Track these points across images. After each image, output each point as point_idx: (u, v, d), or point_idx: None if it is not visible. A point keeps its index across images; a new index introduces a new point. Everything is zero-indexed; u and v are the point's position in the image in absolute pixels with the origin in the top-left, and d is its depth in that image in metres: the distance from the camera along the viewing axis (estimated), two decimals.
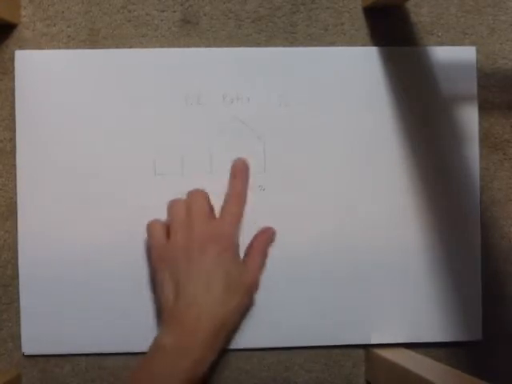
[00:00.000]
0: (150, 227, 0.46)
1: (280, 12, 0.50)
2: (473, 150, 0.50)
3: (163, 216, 0.47)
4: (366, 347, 0.50)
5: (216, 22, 0.49)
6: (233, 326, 0.44)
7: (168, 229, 0.45)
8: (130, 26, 0.49)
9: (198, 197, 0.46)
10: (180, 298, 0.42)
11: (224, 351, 0.48)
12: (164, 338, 0.41)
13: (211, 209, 0.46)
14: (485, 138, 0.51)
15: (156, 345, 0.42)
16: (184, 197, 0.46)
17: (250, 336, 0.48)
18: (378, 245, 0.49)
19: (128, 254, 0.48)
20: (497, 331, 0.50)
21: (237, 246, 0.46)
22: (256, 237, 0.48)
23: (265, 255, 0.47)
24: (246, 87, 0.49)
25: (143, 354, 0.48)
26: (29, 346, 0.48)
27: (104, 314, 0.48)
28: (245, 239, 0.48)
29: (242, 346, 0.48)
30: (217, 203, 0.48)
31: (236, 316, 0.44)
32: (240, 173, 0.48)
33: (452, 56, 0.50)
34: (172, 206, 0.46)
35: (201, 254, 0.43)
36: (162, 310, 0.44)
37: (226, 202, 0.47)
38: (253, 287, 0.46)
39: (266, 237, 0.48)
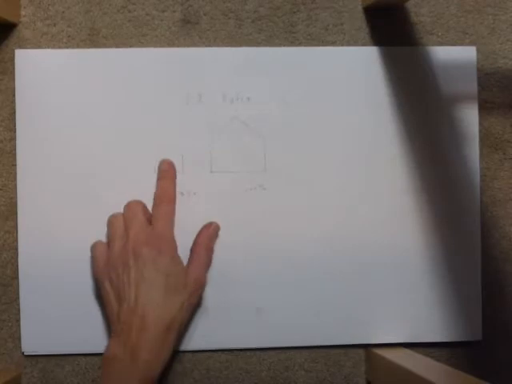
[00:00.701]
0: (93, 247, 0.46)
1: (280, 12, 0.50)
2: (473, 150, 0.50)
3: None
4: (366, 347, 0.50)
5: (216, 22, 0.49)
6: (180, 326, 0.44)
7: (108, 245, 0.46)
8: (130, 26, 0.49)
9: (133, 207, 0.46)
10: (123, 305, 0.42)
11: (223, 351, 0.48)
12: (113, 348, 0.42)
13: (148, 217, 0.46)
14: (485, 137, 0.51)
15: (107, 355, 0.42)
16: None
17: (249, 336, 0.48)
18: (377, 244, 0.49)
19: None
20: (497, 331, 0.50)
21: (174, 247, 0.45)
22: (200, 232, 0.47)
23: (210, 251, 0.47)
24: (246, 87, 0.49)
25: None
26: (29, 346, 0.48)
27: (104, 313, 0.47)
28: (246, 239, 0.48)
29: (241, 346, 0.48)
30: (217, 202, 0.48)
31: (182, 315, 0.44)
32: (166, 173, 0.47)
33: (452, 56, 0.50)
34: (109, 221, 0.46)
35: (136, 260, 0.43)
36: (109, 322, 0.45)
37: (155, 204, 0.47)
38: (197, 285, 0.45)
39: (209, 232, 0.47)
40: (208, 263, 0.47)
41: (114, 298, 0.44)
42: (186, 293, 0.44)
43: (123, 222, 0.46)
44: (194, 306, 0.46)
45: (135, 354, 0.40)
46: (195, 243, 0.47)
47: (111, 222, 0.46)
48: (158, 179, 0.48)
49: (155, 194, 0.47)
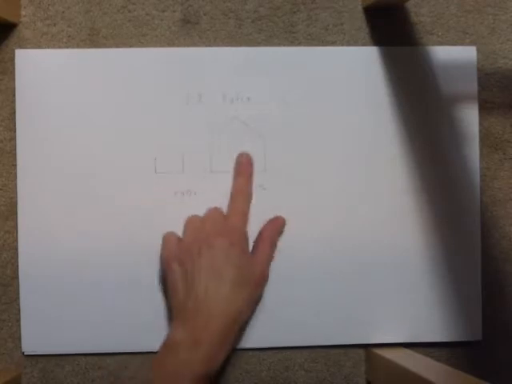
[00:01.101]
0: (165, 236, 0.47)
1: (280, 12, 0.50)
2: (473, 150, 0.50)
3: (164, 214, 0.48)
4: (366, 347, 0.50)
5: (216, 22, 0.49)
6: (244, 320, 0.44)
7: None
8: (130, 26, 0.49)
9: (213, 211, 0.47)
10: (191, 294, 0.42)
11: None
12: (177, 335, 0.41)
13: (224, 217, 0.47)
14: (485, 137, 0.51)
15: (168, 341, 0.42)
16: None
17: (250, 336, 0.48)
18: (377, 244, 0.49)
19: (128, 254, 0.48)
20: (497, 331, 0.50)
21: (246, 241, 0.46)
22: (265, 227, 0.47)
23: (274, 245, 0.47)
24: (246, 87, 0.49)
25: (143, 353, 0.48)
26: (29, 346, 0.48)
27: (104, 313, 0.48)
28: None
29: (242, 346, 0.48)
30: (217, 202, 0.48)
31: (247, 310, 0.44)
32: (245, 169, 0.48)
33: (452, 56, 0.50)
34: (188, 219, 0.47)
35: (209, 248, 0.43)
36: (173, 308, 0.44)
37: (232, 200, 0.47)
38: (262, 279, 0.46)
39: (275, 227, 0.48)
40: (271, 258, 0.47)
41: (181, 285, 0.43)
42: (252, 286, 0.44)
43: (199, 220, 0.46)
44: (257, 301, 0.47)
45: (198, 343, 0.40)
46: (261, 237, 0.47)
47: (188, 220, 0.47)
48: (236, 175, 0.48)
49: (232, 189, 0.48)
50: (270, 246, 0.47)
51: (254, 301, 0.46)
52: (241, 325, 0.44)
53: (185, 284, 0.43)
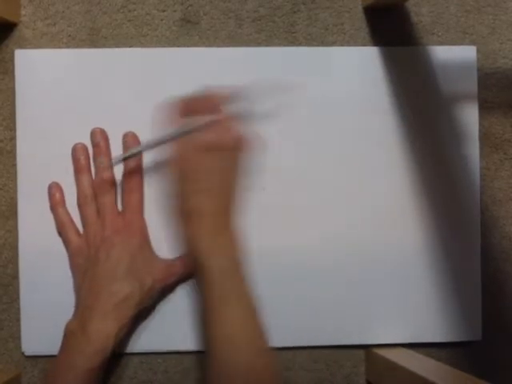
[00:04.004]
0: (64, 232, 0.47)
1: (280, 12, 0.50)
2: (473, 150, 0.50)
3: (164, 213, 0.48)
4: (366, 347, 0.50)
5: (216, 22, 0.49)
6: (138, 306, 0.44)
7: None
8: (130, 26, 0.49)
9: (108, 207, 0.46)
10: (85, 282, 0.44)
11: None
12: (69, 324, 0.43)
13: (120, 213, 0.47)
14: (485, 137, 0.51)
15: (64, 333, 0.43)
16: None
17: None
18: (377, 245, 0.49)
19: None
20: (497, 331, 0.50)
21: (143, 234, 0.47)
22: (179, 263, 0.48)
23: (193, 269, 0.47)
24: (245, 87, 0.49)
25: (143, 354, 0.48)
26: (29, 346, 0.48)
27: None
28: (246, 239, 0.48)
29: None
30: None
31: (142, 297, 0.44)
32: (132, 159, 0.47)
33: (452, 56, 0.50)
34: (85, 216, 0.47)
35: (107, 246, 0.45)
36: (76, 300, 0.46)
37: (125, 193, 0.47)
38: (165, 274, 0.46)
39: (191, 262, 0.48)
40: (185, 271, 0.47)
41: (80, 278, 0.45)
42: (149, 277, 0.45)
43: (95, 208, 0.47)
44: (159, 292, 0.47)
45: (85, 327, 0.42)
46: (183, 259, 0.47)
47: (87, 216, 0.47)
48: (125, 161, 0.47)
49: (122, 179, 0.47)
50: (183, 271, 0.47)
51: (153, 291, 0.45)
52: (133, 309, 0.44)
53: (82, 276, 0.45)
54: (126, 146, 0.48)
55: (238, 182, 0.44)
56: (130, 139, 0.48)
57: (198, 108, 0.43)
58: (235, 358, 0.39)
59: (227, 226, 0.43)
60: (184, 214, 0.42)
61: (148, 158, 0.48)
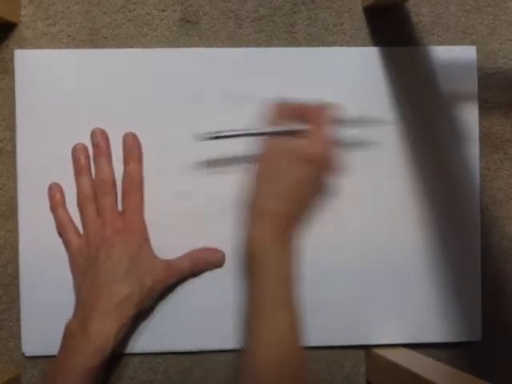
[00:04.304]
0: (64, 232, 0.47)
1: (280, 12, 0.50)
2: (473, 150, 0.50)
3: (162, 214, 0.48)
4: (366, 347, 0.50)
5: (216, 22, 0.49)
6: (138, 306, 0.44)
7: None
8: (130, 26, 0.49)
9: (108, 207, 0.46)
10: (85, 282, 0.44)
11: (223, 351, 0.48)
12: (69, 324, 0.43)
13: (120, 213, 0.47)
14: (485, 137, 0.51)
15: (64, 333, 0.43)
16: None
17: None
18: (377, 245, 0.49)
19: None
20: (497, 331, 0.50)
21: (143, 234, 0.47)
22: (203, 250, 0.48)
23: (196, 268, 0.48)
24: (246, 87, 0.49)
25: (143, 354, 0.48)
26: (29, 347, 0.48)
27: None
28: None
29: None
30: (218, 201, 0.48)
31: (142, 297, 0.44)
32: (131, 153, 0.47)
33: (452, 56, 0.50)
34: (84, 215, 0.47)
35: (107, 246, 0.45)
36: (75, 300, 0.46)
37: (125, 193, 0.47)
38: (165, 275, 0.46)
39: (211, 257, 0.48)
40: (184, 275, 0.47)
41: (80, 279, 0.45)
42: (149, 277, 0.45)
43: (95, 211, 0.47)
44: (159, 293, 0.47)
45: (85, 327, 0.42)
46: (189, 255, 0.47)
47: (86, 215, 0.47)
48: (124, 161, 0.47)
49: (123, 179, 0.47)
50: (191, 265, 0.47)
51: (153, 292, 0.45)
52: (133, 309, 0.44)
53: (82, 276, 0.45)
54: (126, 147, 0.48)
55: (315, 198, 0.44)
56: (130, 140, 0.48)
57: (306, 115, 0.43)
58: (282, 358, 0.39)
59: (292, 234, 0.43)
60: (256, 211, 0.42)
61: (149, 158, 0.48)
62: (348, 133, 0.48)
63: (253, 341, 0.40)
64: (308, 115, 0.43)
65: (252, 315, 0.41)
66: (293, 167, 0.42)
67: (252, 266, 0.41)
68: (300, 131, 0.43)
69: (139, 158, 0.48)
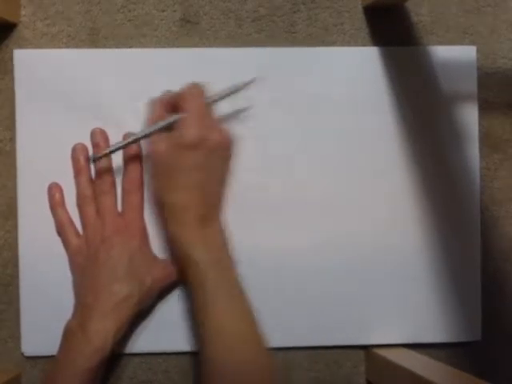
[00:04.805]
0: (63, 231, 0.47)
1: (280, 12, 0.50)
2: (473, 150, 0.50)
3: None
4: (366, 347, 0.49)
5: (216, 22, 0.49)
6: (137, 306, 0.44)
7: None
8: (130, 26, 0.49)
9: (108, 207, 0.46)
10: (84, 282, 0.45)
11: None
12: (69, 324, 0.43)
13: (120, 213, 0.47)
14: (485, 137, 0.51)
15: (64, 331, 0.43)
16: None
17: None
18: (377, 245, 0.49)
19: None
20: (496, 331, 0.50)
21: (143, 235, 0.47)
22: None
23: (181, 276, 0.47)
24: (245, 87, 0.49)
25: (142, 354, 0.48)
26: (28, 347, 0.48)
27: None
28: (246, 239, 0.48)
29: None
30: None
31: (141, 297, 0.44)
32: (133, 154, 0.47)
33: (452, 56, 0.50)
34: (84, 214, 0.47)
35: (107, 246, 0.45)
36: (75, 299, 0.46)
37: (125, 192, 0.47)
38: (164, 274, 0.46)
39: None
40: (173, 278, 0.47)
41: (79, 278, 0.46)
42: (148, 277, 0.45)
43: (97, 216, 0.47)
44: (159, 293, 0.47)
45: (84, 326, 0.42)
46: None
47: (86, 216, 0.47)
48: (124, 160, 0.48)
49: (123, 179, 0.47)
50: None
51: (152, 292, 0.45)
52: (132, 309, 0.44)
53: (81, 275, 0.45)
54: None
55: (220, 180, 0.45)
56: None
57: (179, 104, 0.43)
58: (228, 357, 0.39)
59: (211, 220, 0.43)
60: (166, 209, 0.43)
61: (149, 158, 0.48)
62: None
63: (199, 338, 0.41)
64: (181, 103, 0.43)
65: (195, 313, 0.41)
66: (181, 157, 0.42)
67: (183, 262, 0.42)
68: (179, 121, 0.43)
69: (139, 158, 0.48)
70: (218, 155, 0.44)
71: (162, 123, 0.43)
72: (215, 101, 0.45)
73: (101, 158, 0.45)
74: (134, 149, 0.47)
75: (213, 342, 0.40)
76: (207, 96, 0.44)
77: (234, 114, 0.48)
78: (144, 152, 0.47)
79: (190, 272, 0.42)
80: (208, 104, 0.44)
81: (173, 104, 0.44)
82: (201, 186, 0.43)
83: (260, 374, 0.40)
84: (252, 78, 0.46)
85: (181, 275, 0.45)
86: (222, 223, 0.44)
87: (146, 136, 0.44)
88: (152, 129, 0.44)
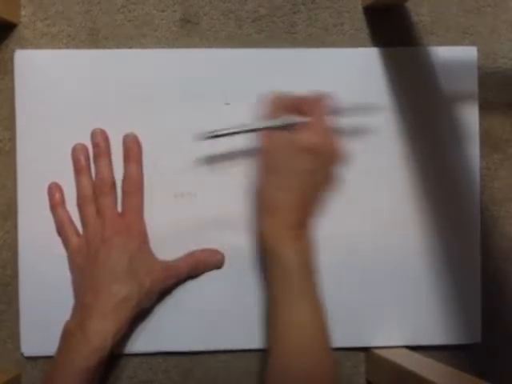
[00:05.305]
0: (63, 232, 0.47)
1: (280, 12, 0.50)
2: (473, 150, 0.50)
3: (164, 215, 0.48)
4: (366, 349, 0.49)
5: (216, 22, 0.49)
6: (136, 307, 0.44)
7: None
8: (130, 26, 0.49)
9: (108, 209, 0.46)
10: (84, 282, 0.45)
11: (223, 352, 0.48)
12: (68, 324, 0.43)
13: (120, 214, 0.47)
14: (485, 137, 0.51)
15: (63, 332, 0.43)
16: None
17: (250, 336, 0.48)
18: (377, 246, 0.49)
19: None
20: (497, 332, 0.50)
21: (143, 236, 0.47)
22: (203, 251, 0.48)
23: (196, 269, 0.48)
24: (245, 87, 0.49)
25: (143, 354, 0.48)
26: (28, 347, 0.48)
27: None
28: (246, 239, 0.48)
29: (242, 347, 0.48)
30: (218, 202, 0.48)
31: (140, 298, 0.44)
32: (131, 153, 0.47)
33: (452, 56, 0.50)
34: (84, 216, 0.47)
35: (107, 247, 0.45)
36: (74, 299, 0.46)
37: (125, 194, 0.47)
38: (164, 275, 0.46)
39: (211, 259, 0.48)
40: (184, 273, 0.47)
41: (78, 279, 0.46)
42: (148, 278, 0.45)
43: (95, 213, 0.46)
44: (158, 294, 0.47)
45: (83, 326, 0.42)
46: (190, 255, 0.48)
47: (86, 216, 0.47)
48: (124, 161, 0.48)
49: (122, 180, 0.47)
50: (187, 267, 0.47)
51: (152, 293, 0.45)
52: (131, 309, 0.44)
53: (80, 276, 0.45)
54: (126, 148, 0.48)
55: (323, 188, 0.45)
56: (130, 140, 0.48)
57: (303, 107, 0.44)
58: (299, 355, 0.40)
59: (305, 226, 0.43)
60: (266, 206, 0.43)
61: (149, 159, 0.48)
62: (347, 121, 0.48)
63: (277, 326, 0.41)
64: (305, 107, 0.44)
65: (274, 308, 0.42)
66: (295, 159, 0.42)
67: (271, 260, 0.42)
68: (298, 124, 0.43)
69: (139, 159, 0.48)
70: (328, 165, 0.44)
71: (285, 120, 0.44)
72: (339, 115, 0.46)
73: (215, 136, 0.44)
74: (134, 150, 0.47)
75: (286, 338, 0.40)
76: (332, 107, 0.45)
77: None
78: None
79: (277, 271, 0.42)
80: (331, 115, 0.45)
81: (291, 106, 0.44)
82: (305, 191, 0.43)
83: (326, 375, 0.40)
84: (381, 106, 0.48)
85: (266, 273, 0.44)
86: (313, 231, 0.44)
87: (265, 128, 0.44)
88: (274, 123, 0.44)
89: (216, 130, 0.45)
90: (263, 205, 0.44)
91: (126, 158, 0.47)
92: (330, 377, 0.40)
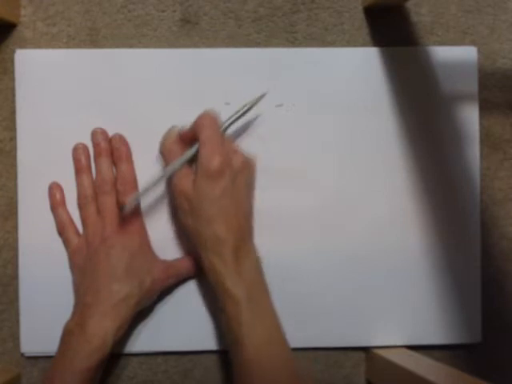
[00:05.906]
0: (63, 231, 0.47)
1: (280, 12, 0.50)
2: (473, 150, 0.50)
3: (164, 214, 0.48)
4: (366, 349, 0.49)
5: (216, 22, 0.49)
6: (136, 305, 0.44)
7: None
8: (130, 26, 0.49)
9: (109, 206, 0.46)
10: (84, 281, 0.45)
11: (223, 352, 0.48)
12: (68, 323, 0.43)
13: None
14: (485, 137, 0.51)
15: (63, 332, 0.43)
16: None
17: None
18: (377, 245, 0.49)
19: None
20: (497, 332, 0.50)
21: (143, 236, 0.47)
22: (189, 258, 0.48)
23: (195, 268, 0.47)
24: (245, 87, 0.49)
25: (143, 354, 0.48)
26: (28, 347, 0.48)
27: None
28: None
29: None
30: None
31: (141, 296, 0.44)
32: (120, 153, 0.47)
33: (452, 56, 0.50)
34: (85, 215, 0.47)
35: (107, 246, 0.44)
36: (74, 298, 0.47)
37: (119, 192, 0.46)
38: (164, 274, 0.46)
39: (191, 264, 0.48)
40: (184, 273, 0.47)
41: (78, 278, 0.46)
42: (148, 277, 0.45)
43: (95, 212, 0.47)
44: (158, 293, 0.47)
45: (83, 325, 0.42)
46: (191, 255, 0.48)
47: (87, 216, 0.47)
48: (115, 163, 0.47)
49: (117, 181, 0.47)
50: (191, 266, 0.47)
51: (152, 292, 0.45)
52: (132, 308, 0.44)
53: (81, 275, 0.45)
54: (114, 149, 0.48)
55: (248, 202, 0.44)
56: (117, 141, 0.47)
57: (199, 134, 0.43)
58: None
59: (249, 247, 0.43)
60: (202, 240, 0.42)
61: (149, 159, 0.48)
62: (347, 121, 0.48)
63: (234, 365, 0.41)
64: (196, 133, 0.43)
65: (230, 340, 0.42)
66: (209, 188, 0.41)
67: (220, 292, 0.41)
68: (196, 152, 0.43)
69: (129, 158, 0.47)
70: (242, 178, 0.43)
71: (182, 159, 0.43)
72: (230, 124, 0.45)
73: (129, 204, 0.44)
74: (122, 150, 0.47)
75: (248, 373, 0.40)
76: (221, 122, 0.44)
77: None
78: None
79: (226, 303, 0.41)
80: (223, 129, 0.45)
81: (187, 137, 0.44)
82: (233, 214, 0.42)
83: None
84: (261, 94, 0.47)
85: (215, 303, 0.44)
86: (255, 247, 0.43)
87: (169, 175, 0.43)
88: (175, 165, 0.43)
89: (133, 197, 0.45)
90: (200, 242, 0.42)
91: (117, 159, 0.47)
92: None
